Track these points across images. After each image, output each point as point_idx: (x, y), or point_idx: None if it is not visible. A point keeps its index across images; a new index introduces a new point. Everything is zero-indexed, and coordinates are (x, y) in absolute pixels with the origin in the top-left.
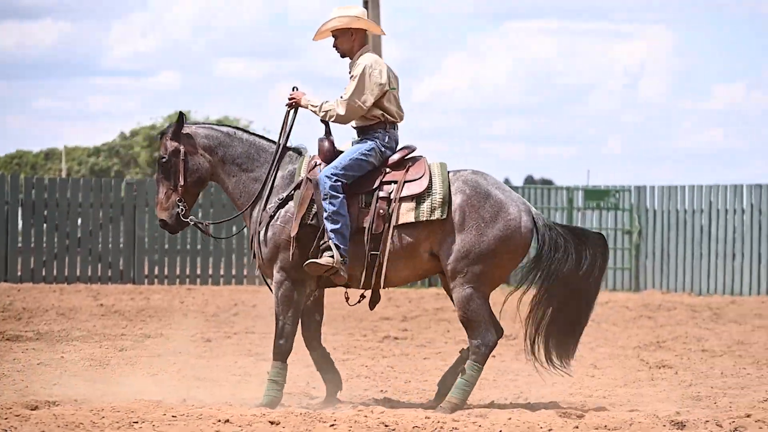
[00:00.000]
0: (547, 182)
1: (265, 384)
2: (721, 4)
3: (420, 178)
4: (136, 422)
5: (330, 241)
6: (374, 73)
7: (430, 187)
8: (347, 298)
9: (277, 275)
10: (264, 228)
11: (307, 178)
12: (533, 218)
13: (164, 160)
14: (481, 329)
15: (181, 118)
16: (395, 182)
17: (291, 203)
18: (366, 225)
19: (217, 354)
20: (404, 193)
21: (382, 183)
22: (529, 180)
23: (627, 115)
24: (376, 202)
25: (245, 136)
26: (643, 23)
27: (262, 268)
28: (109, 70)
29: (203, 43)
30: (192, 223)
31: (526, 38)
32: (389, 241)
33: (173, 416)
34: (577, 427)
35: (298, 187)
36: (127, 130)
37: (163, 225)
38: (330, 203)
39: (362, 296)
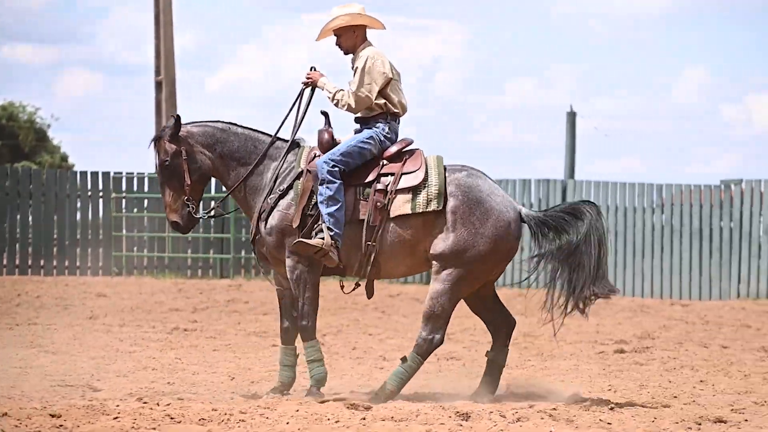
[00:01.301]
0: None
1: (308, 366)
2: (513, 1)
3: (417, 170)
4: None
5: (323, 224)
6: (377, 63)
7: (426, 179)
8: (342, 287)
9: (288, 261)
10: (266, 218)
11: (307, 169)
12: (521, 224)
13: (167, 163)
14: (438, 326)
15: (178, 120)
16: (392, 174)
17: (291, 193)
18: (363, 216)
19: None
20: (401, 185)
21: (379, 175)
22: None
23: (421, 109)
24: (374, 194)
25: (240, 130)
26: (437, 18)
27: (269, 257)
28: None
29: None
30: (205, 217)
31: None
32: (386, 232)
33: None
34: (364, 419)
35: (298, 177)
36: None
37: (176, 226)
38: (327, 188)
39: (357, 284)
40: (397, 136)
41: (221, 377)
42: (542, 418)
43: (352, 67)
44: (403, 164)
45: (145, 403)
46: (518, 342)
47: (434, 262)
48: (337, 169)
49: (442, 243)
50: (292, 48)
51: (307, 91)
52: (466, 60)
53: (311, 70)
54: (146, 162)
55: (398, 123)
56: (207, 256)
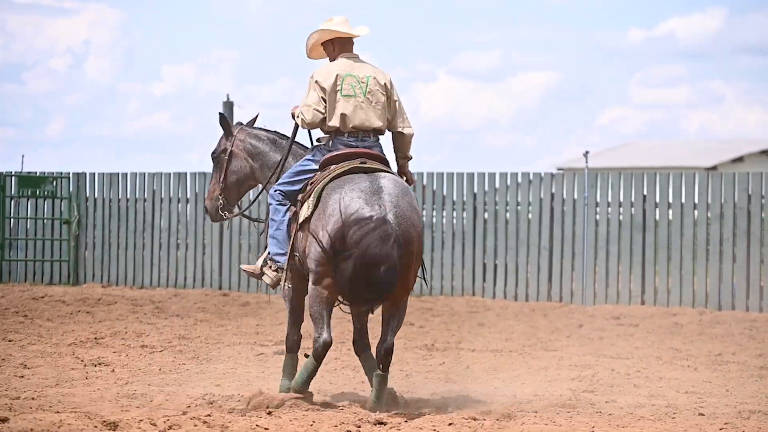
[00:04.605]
0: None
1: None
2: None
3: (324, 176)
4: None
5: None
6: (319, 79)
7: (318, 182)
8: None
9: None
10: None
11: None
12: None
13: (215, 156)
14: (317, 327)
15: (224, 119)
16: (312, 183)
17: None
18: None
19: None
20: (306, 192)
21: (304, 186)
22: None
23: (70, 96)
24: (296, 203)
25: (284, 143)
26: (84, 0)
27: None
28: None
29: None
30: (227, 218)
31: None
32: (300, 240)
33: None
34: None
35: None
36: None
37: (205, 211)
38: (270, 215)
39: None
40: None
41: None
42: (196, 425)
43: None
44: (323, 172)
45: None
46: (173, 345)
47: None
48: (278, 192)
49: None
50: None
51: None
52: (119, 44)
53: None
54: None
55: (352, 138)
56: None
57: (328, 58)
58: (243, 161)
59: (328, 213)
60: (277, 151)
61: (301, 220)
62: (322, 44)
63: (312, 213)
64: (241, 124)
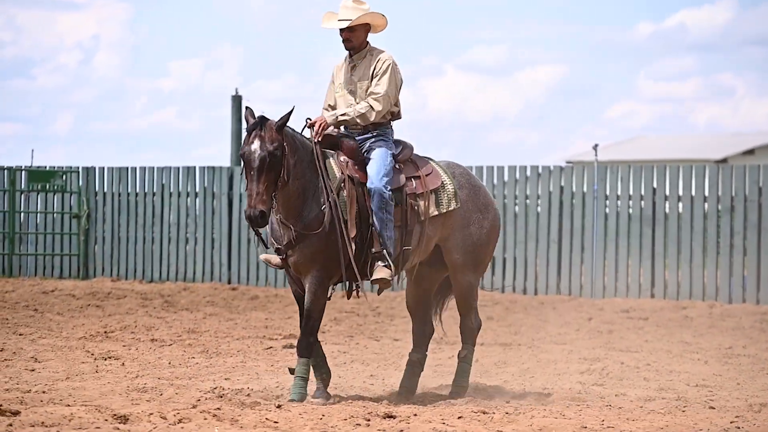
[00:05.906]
0: None
1: (293, 381)
2: None
3: (431, 173)
4: None
5: (384, 249)
6: (397, 68)
7: (442, 181)
8: (348, 295)
9: (318, 273)
10: (317, 231)
11: (349, 176)
12: None
13: (276, 151)
14: (473, 313)
15: (291, 112)
16: (416, 178)
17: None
18: (397, 223)
19: None
20: (427, 188)
21: (406, 179)
22: None
23: (79, 92)
24: (406, 198)
25: (303, 139)
26: None
27: (298, 265)
28: None
29: None
30: (279, 221)
31: None
32: (415, 233)
33: None
34: (11, 425)
35: (341, 187)
36: None
37: (262, 217)
38: (388, 212)
39: (353, 290)
40: None
41: None
42: (206, 419)
43: (353, 66)
44: (418, 168)
45: None
46: (182, 339)
47: (456, 256)
48: (391, 191)
49: (459, 237)
50: None
51: (317, 146)
52: (127, 40)
53: (307, 121)
54: None
55: None
56: None
57: (366, 42)
58: (289, 157)
59: (480, 205)
60: (300, 144)
61: (435, 213)
62: (359, 24)
63: (455, 207)
64: (265, 117)
